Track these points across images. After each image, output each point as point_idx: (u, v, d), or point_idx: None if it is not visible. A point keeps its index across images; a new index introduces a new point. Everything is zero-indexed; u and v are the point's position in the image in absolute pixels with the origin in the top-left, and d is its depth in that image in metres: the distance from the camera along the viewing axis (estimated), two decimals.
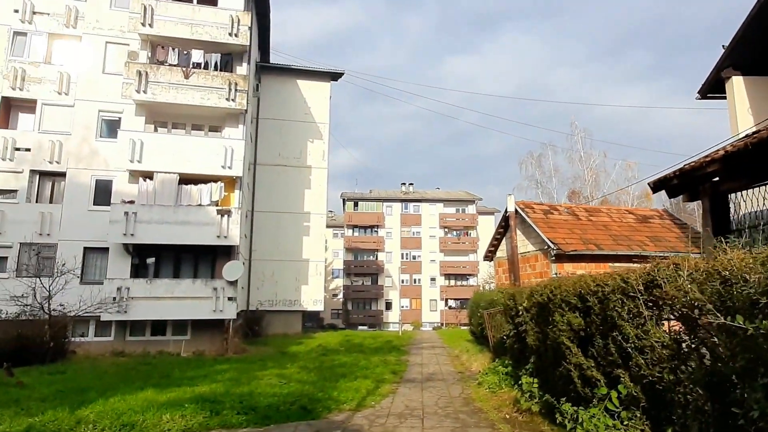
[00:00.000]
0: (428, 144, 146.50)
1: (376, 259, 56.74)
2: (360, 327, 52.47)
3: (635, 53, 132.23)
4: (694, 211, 43.34)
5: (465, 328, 47.52)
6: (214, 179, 19.37)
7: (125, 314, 17.55)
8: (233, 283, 18.70)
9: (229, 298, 18.56)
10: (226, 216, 18.77)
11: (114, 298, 17.42)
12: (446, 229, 57.92)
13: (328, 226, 62.90)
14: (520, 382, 6.33)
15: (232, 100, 19.71)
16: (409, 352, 16.57)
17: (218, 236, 18.61)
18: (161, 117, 20.43)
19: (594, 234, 15.92)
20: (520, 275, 16.39)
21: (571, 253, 14.73)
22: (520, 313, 6.59)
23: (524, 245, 16.76)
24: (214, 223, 18.66)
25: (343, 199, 57.97)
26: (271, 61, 29.96)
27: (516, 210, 16.73)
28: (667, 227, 17.24)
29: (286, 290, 27.64)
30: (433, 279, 56.60)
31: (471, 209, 58.86)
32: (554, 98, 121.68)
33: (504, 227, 18.23)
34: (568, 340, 4.68)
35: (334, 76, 30.70)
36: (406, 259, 56.15)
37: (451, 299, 56.08)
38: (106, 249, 18.58)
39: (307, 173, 29.08)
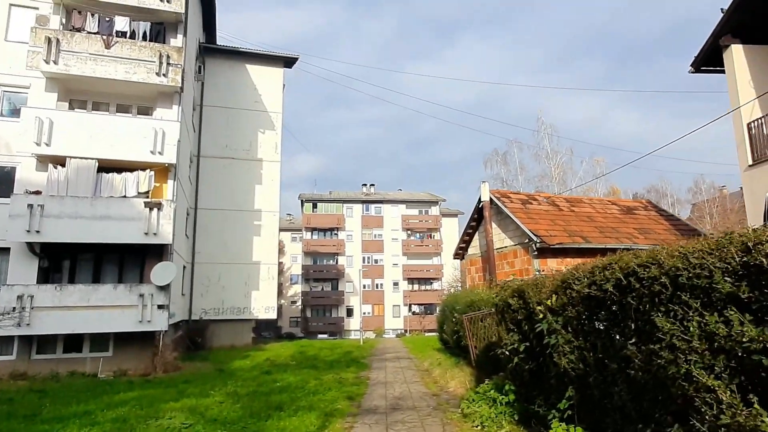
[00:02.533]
0: (390, 150, 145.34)
1: (337, 263, 54.18)
2: (320, 335, 49.75)
3: (586, 63, 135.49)
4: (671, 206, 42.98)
5: (430, 334, 45.47)
6: (141, 167, 16.51)
7: (28, 327, 14.42)
8: (164, 289, 15.88)
9: (159, 306, 15.72)
10: (155, 210, 15.93)
11: (14, 309, 14.29)
12: (409, 232, 56.00)
13: (286, 230, 59.93)
14: (549, 428, 4.10)
15: (164, 75, 16.93)
16: (370, 366, 14.19)
17: (146, 233, 15.75)
18: (79, 95, 17.42)
19: (578, 225, 14.12)
20: (497, 274, 14.40)
21: (556, 246, 12.84)
22: (539, 316, 4.44)
23: (501, 240, 14.79)
24: (141, 218, 15.79)
25: (302, 201, 55.19)
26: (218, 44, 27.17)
27: (491, 199, 14.75)
28: (654, 219, 15.67)
29: (234, 297, 24.82)
30: (396, 283, 54.50)
31: (434, 210, 57.21)
32: (512, 105, 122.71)
33: (477, 220, 16.23)
34: (704, 373, 2.50)
35: (288, 61, 28.20)
36: (368, 262, 53.81)
37: (414, 304, 54.14)
38: (8, 250, 15.43)
39: (257, 167, 26.39)
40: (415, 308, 54.16)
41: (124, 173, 16.35)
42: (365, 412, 7.47)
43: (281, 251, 57.83)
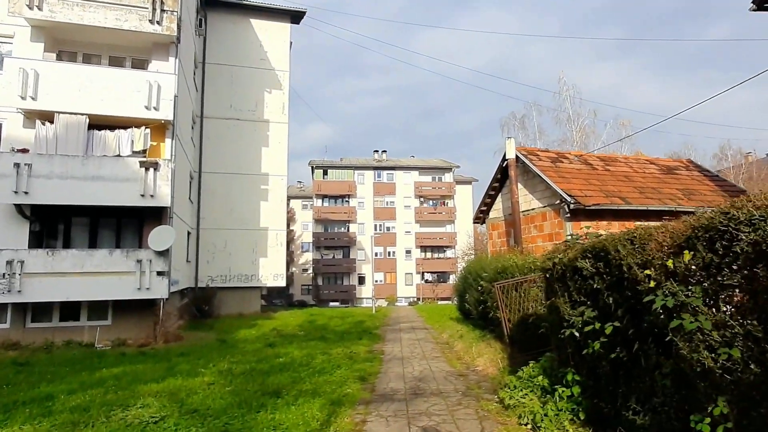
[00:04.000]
0: (402, 120, 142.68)
1: (348, 230, 53.19)
2: (331, 303, 49.24)
3: (605, 30, 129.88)
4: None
5: (443, 303, 44.69)
6: (136, 124, 15.29)
7: (19, 294, 13.55)
8: (164, 254, 14.86)
9: (159, 273, 14.73)
10: (151, 170, 14.78)
11: (3, 275, 13.41)
12: (422, 199, 54.61)
13: (296, 197, 58.84)
14: None
15: (158, 23, 15.49)
16: (383, 338, 13.11)
17: (142, 195, 14.65)
18: (67, 45, 16.11)
19: (615, 186, 12.70)
20: (523, 238, 13.11)
21: (592, 207, 11.46)
22: (647, 284, 3.09)
23: (527, 201, 13.44)
24: (136, 179, 14.66)
25: (312, 167, 53.87)
26: None
27: (517, 157, 13.31)
28: (697, 179, 14.17)
29: (241, 264, 23.92)
30: (408, 251, 53.47)
31: (448, 177, 55.60)
32: (529, 73, 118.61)
33: (500, 181, 14.85)
34: None
35: (295, 16, 26.46)
36: (380, 230, 52.75)
37: (427, 272, 53.25)
38: None
39: (264, 128, 25.05)
40: (428, 276, 53.29)
41: (117, 131, 15.17)
42: (380, 398, 6.28)
43: (292, 219, 56.93)
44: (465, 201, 56.09)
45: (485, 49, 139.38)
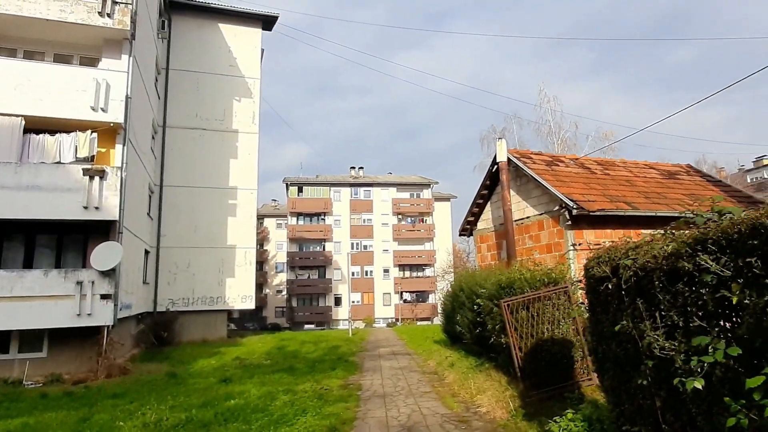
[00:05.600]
0: (379, 140, 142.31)
1: (324, 249, 51.31)
2: (306, 326, 47.10)
3: (577, 51, 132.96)
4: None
5: (423, 323, 43.03)
6: (80, 127, 13.56)
7: None
8: (109, 275, 12.98)
9: (103, 296, 12.83)
10: (97, 178, 13.02)
11: None
12: (400, 216, 53.25)
13: (270, 216, 56.77)
14: None
15: (108, 15, 13.91)
16: (361, 367, 11.38)
17: (86, 207, 12.84)
18: (7, 41, 14.35)
19: (618, 190, 11.48)
20: (516, 250, 11.74)
21: (596, 214, 10.16)
22: None
23: (521, 209, 12.11)
24: (79, 189, 12.87)
25: (287, 184, 52.05)
26: None
27: (509, 160, 12.01)
28: (701, 184, 13.10)
29: (206, 285, 21.96)
30: (386, 270, 51.79)
31: (426, 194, 54.44)
32: (504, 90, 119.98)
33: (489, 188, 13.51)
34: None
35: (267, 21, 25.11)
36: (357, 249, 50.98)
37: (406, 292, 51.58)
38: None
39: (232, 139, 23.39)
40: (406, 296, 51.62)
41: (58, 135, 13.40)
42: None
43: (266, 239, 54.79)
44: (444, 218, 54.94)
45: (461, 69, 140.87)
